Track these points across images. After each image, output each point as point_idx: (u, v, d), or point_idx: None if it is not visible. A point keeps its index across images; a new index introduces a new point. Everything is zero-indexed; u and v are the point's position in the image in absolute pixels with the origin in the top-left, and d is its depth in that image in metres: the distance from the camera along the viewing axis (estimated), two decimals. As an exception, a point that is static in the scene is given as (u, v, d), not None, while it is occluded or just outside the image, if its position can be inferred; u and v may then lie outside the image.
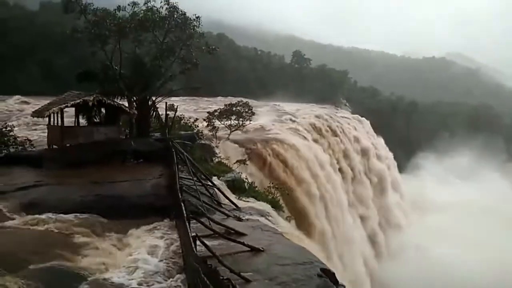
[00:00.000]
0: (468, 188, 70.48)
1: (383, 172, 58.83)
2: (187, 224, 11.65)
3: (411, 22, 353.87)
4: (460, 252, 44.30)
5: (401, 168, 73.98)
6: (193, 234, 10.68)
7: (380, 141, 68.39)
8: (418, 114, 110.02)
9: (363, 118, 71.22)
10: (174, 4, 22.32)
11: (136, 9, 22.39)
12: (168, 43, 22.97)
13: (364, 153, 57.35)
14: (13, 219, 13.37)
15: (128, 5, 22.37)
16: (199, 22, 22.81)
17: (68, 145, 20.66)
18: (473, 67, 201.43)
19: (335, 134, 51.41)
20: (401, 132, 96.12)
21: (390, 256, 48.60)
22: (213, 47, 24.59)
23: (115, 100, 21.67)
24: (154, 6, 22.37)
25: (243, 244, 11.98)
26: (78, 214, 13.84)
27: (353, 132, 58.43)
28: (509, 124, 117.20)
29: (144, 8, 22.37)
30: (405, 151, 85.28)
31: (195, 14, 22.68)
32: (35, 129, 29.15)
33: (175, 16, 22.42)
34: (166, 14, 22.38)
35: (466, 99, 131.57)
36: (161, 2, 22.35)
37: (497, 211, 58.19)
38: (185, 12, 22.45)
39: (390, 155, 68.51)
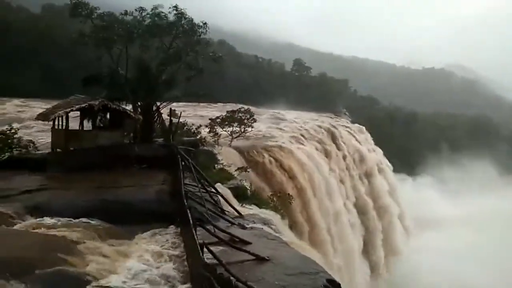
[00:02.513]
0: (468, 200, 70.47)
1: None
2: (193, 231, 11.63)
3: (410, 32, 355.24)
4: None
5: (399, 177, 74.04)
6: (200, 241, 10.65)
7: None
8: (417, 124, 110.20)
9: (363, 127, 71.27)
10: (182, 11, 22.41)
11: (143, 14, 22.46)
12: (175, 49, 23.01)
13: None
14: (17, 223, 13.26)
15: (136, 10, 22.46)
16: (206, 28, 22.89)
17: (72, 149, 20.61)
18: (472, 78, 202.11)
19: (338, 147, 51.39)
20: (399, 142, 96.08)
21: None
22: (219, 54, 24.70)
23: (120, 104, 21.67)
24: (162, 12, 22.44)
25: (248, 252, 11.93)
26: (82, 219, 13.77)
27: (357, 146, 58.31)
28: (508, 135, 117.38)
29: (150, 13, 22.44)
30: (403, 161, 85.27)
31: (202, 21, 22.78)
32: (34, 131, 29.11)
33: (182, 22, 22.48)
34: (173, 20, 22.45)
35: (465, 110, 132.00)
36: (169, 8, 22.43)
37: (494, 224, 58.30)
38: (192, 19, 22.54)
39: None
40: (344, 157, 52.01)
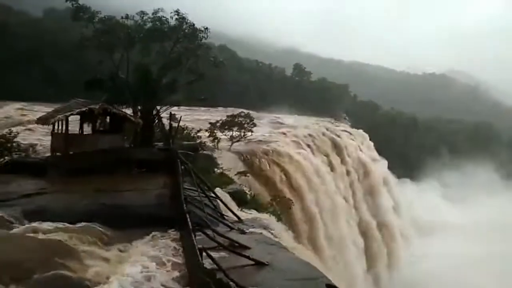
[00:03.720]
0: (470, 205, 70.45)
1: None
2: (193, 236, 11.61)
3: (411, 38, 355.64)
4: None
5: (399, 182, 74.09)
6: (199, 246, 10.64)
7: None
8: (418, 129, 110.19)
9: (366, 135, 71.20)
10: (184, 15, 22.45)
11: (144, 18, 22.51)
12: (176, 54, 23.03)
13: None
14: (17, 227, 13.23)
15: (137, 14, 22.50)
16: (207, 33, 22.92)
17: (71, 152, 20.60)
18: (472, 84, 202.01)
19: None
20: (400, 147, 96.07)
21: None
22: (220, 59, 24.75)
23: (121, 108, 21.69)
24: (163, 17, 22.48)
25: (248, 257, 11.93)
26: (82, 223, 13.76)
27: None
28: (508, 141, 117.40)
29: (152, 17, 22.48)
30: (403, 166, 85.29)
31: (204, 26, 22.80)
32: (34, 135, 29.12)
33: (184, 27, 22.52)
34: (175, 24, 22.48)
35: (465, 116, 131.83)
36: (171, 12, 22.47)
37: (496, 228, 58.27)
38: (193, 23, 22.57)
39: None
40: (348, 173, 51.80)
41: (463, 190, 79.55)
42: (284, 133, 47.01)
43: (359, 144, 62.33)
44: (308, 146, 45.00)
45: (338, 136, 56.01)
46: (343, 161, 51.62)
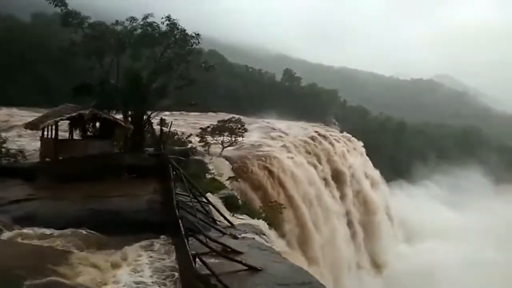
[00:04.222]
0: (457, 211, 71.00)
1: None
2: (185, 241, 11.52)
3: (400, 43, 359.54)
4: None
5: (388, 186, 74.46)
6: (193, 252, 10.56)
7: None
8: (407, 134, 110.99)
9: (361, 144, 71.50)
10: (175, 21, 22.38)
11: (134, 23, 22.41)
12: (166, 59, 22.94)
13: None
14: (6, 233, 13.07)
15: (127, 19, 22.40)
16: (198, 39, 22.86)
17: (61, 158, 20.40)
18: (460, 89, 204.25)
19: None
20: (389, 152, 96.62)
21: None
22: (211, 64, 24.71)
23: (111, 114, 21.54)
24: (154, 22, 22.41)
25: (240, 262, 11.86)
26: (72, 229, 13.59)
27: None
28: (497, 146, 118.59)
29: (141, 23, 22.40)
30: (392, 171, 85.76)
31: (195, 32, 22.75)
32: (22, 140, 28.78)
33: (175, 32, 22.45)
34: (166, 30, 22.40)
35: (454, 121, 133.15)
36: (162, 18, 22.40)
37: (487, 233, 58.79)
38: (185, 29, 22.51)
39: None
40: (340, 177, 52.01)
41: (452, 194, 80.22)
42: (275, 138, 47.02)
43: (349, 149, 62.51)
44: (299, 151, 45.02)
45: (328, 140, 56.10)
46: (333, 166, 51.73)
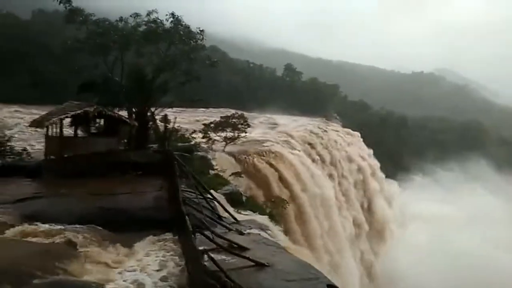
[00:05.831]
0: (456, 203, 71.11)
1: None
2: (193, 238, 11.58)
3: (400, 37, 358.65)
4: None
5: (389, 181, 74.68)
6: (201, 248, 10.62)
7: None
8: (408, 128, 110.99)
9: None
10: (179, 17, 22.37)
11: (138, 20, 22.41)
12: (171, 56, 22.94)
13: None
14: (13, 231, 13.10)
15: (131, 16, 22.39)
16: (202, 36, 22.86)
17: (66, 156, 20.45)
18: (461, 83, 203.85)
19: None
20: (390, 146, 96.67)
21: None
22: (215, 60, 24.70)
23: (115, 111, 21.57)
24: (157, 18, 22.40)
25: (248, 258, 11.89)
26: (80, 227, 13.68)
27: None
28: (498, 139, 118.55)
29: (146, 19, 22.39)
30: (394, 165, 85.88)
31: (199, 28, 22.75)
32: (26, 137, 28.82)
33: (179, 29, 22.44)
34: (170, 26, 22.39)
35: (454, 115, 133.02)
36: (166, 14, 22.39)
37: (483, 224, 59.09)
38: (189, 26, 22.50)
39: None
40: (343, 172, 52.25)
41: (453, 187, 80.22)
42: (277, 133, 47.01)
43: (350, 142, 62.77)
44: (302, 146, 45.04)
45: (330, 136, 56.24)
46: (335, 160, 51.86)
